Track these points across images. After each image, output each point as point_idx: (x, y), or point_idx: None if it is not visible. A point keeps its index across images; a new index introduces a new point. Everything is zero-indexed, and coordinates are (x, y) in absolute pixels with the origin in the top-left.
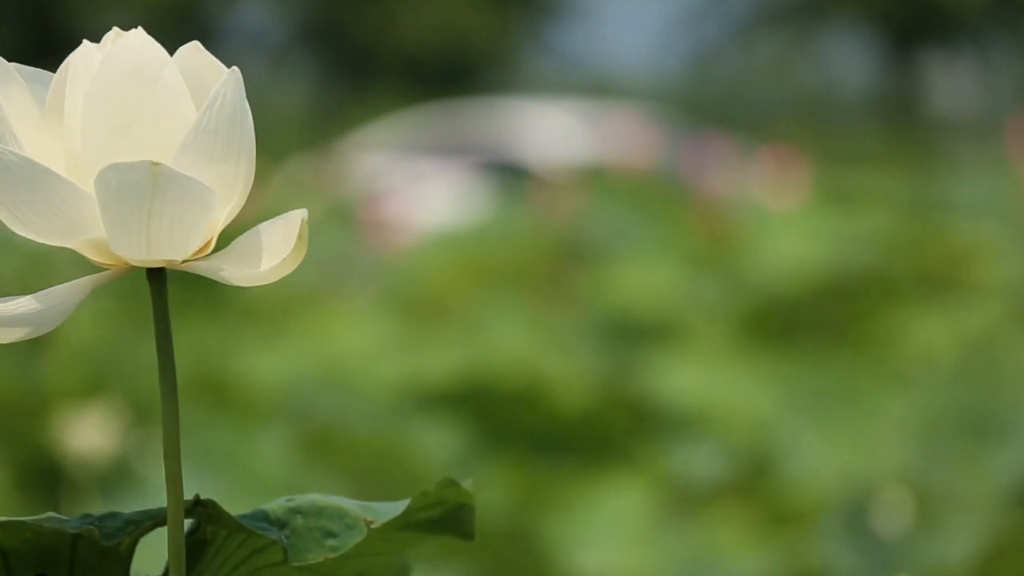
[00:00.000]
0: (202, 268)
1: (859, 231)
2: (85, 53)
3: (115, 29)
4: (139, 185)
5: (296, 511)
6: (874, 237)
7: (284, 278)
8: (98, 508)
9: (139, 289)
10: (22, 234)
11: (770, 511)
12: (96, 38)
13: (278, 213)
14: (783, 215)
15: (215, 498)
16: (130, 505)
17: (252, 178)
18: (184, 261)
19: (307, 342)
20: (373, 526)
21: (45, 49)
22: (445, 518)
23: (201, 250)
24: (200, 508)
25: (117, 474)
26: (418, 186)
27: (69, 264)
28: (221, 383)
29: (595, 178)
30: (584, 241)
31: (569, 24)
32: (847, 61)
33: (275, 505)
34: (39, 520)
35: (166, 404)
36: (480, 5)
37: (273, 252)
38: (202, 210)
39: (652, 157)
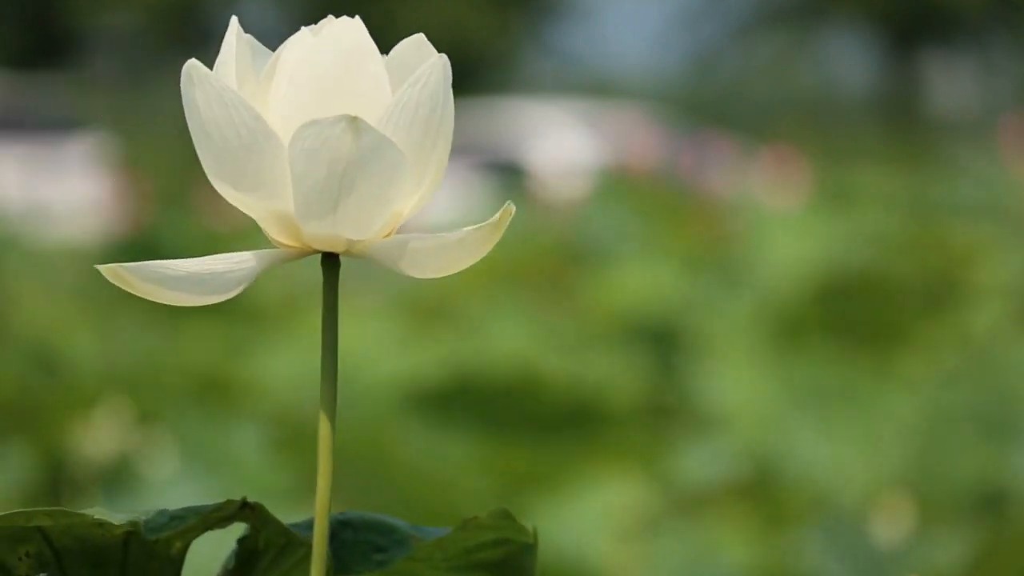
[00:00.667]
0: (380, 252)
1: (859, 231)
2: (300, 36)
3: (329, 17)
4: (337, 141)
5: (346, 524)
6: (874, 237)
7: (285, 279)
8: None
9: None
10: (219, 188)
11: (771, 510)
12: (96, 38)
13: None
14: (783, 215)
15: (212, 499)
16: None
17: (442, 174)
18: (360, 245)
19: (308, 343)
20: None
21: (45, 49)
22: (507, 561)
23: (379, 237)
24: (247, 510)
25: (119, 474)
26: None
27: (70, 263)
28: (224, 383)
29: (595, 178)
30: (584, 241)
31: (569, 24)
32: (847, 61)
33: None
34: (86, 512)
35: (326, 397)
36: (480, 5)
37: (464, 244)
38: (395, 180)
39: (652, 157)
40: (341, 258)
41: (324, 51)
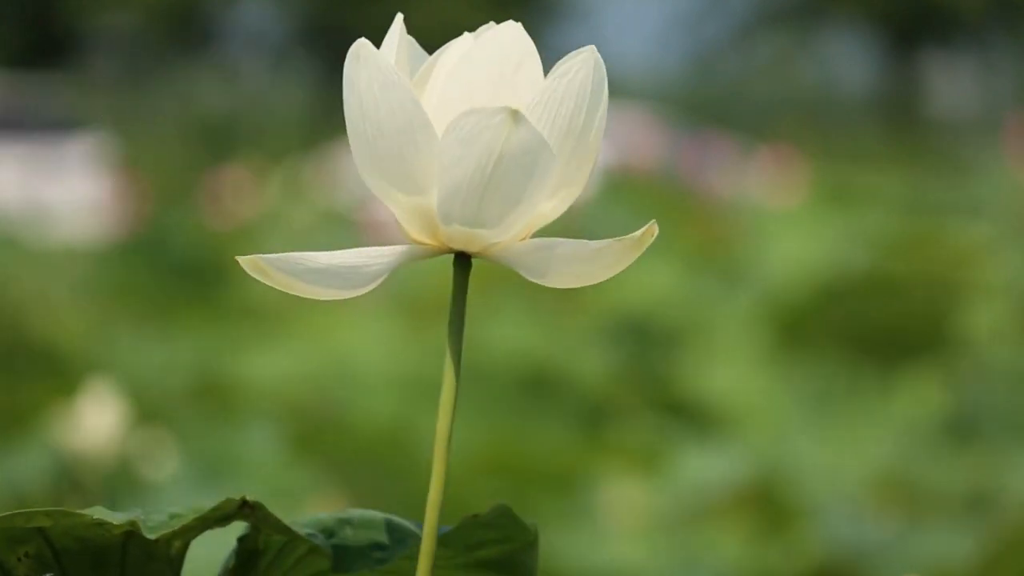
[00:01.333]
0: (515, 255)
1: (859, 231)
2: (461, 39)
3: (491, 23)
4: (494, 131)
5: (346, 522)
6: (874, 237)
7: None
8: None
9: (141, 289)
10: (366, 176)
11: (772, 508)
12: (96, 38)
13: (275, 214)
14: (783, 215)
15: (215, 498)
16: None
17: (586, 177)
18: (496, 247)
19: (308, 343)
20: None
21: (45, 49)
22: (509, 559)
23: (516, 240)
24: (246, 509)
25: (120, 475)
26: None
27: (70, 263)
28: (225, 383)
29: (596, 178)
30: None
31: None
32: (847, 61)
33: (325, 515)
34: (85, 512)
35: (447, 397)
36: (480, 5)
37: (603, 256)
38: (541, 178)
39: (652, 157)
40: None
41: (483, 52)
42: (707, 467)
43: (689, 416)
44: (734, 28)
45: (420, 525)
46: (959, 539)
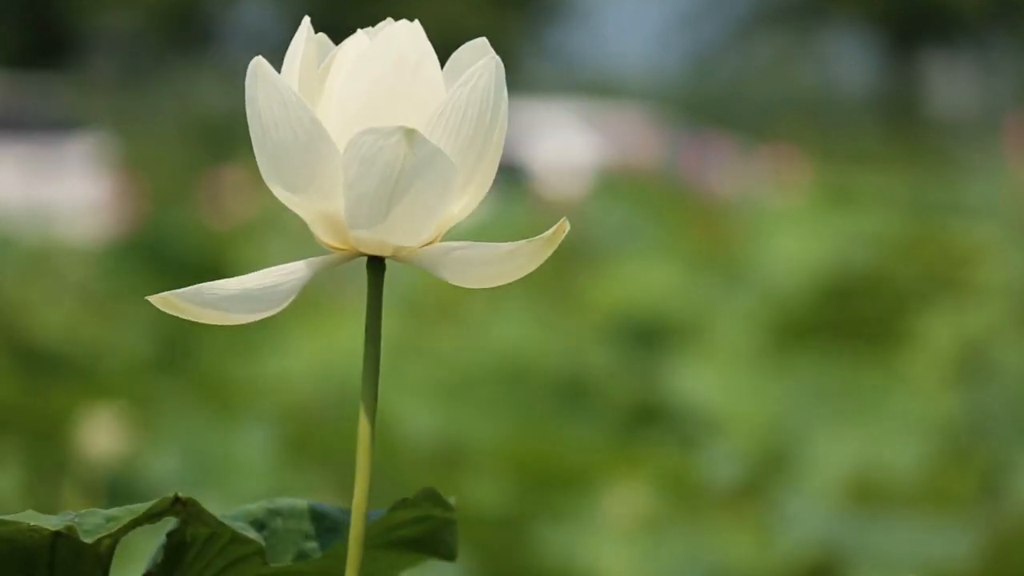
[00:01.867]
0: (425, 259)
1: (860, 231)
2: (356, 39)
3: (388, 19)
4: (392, 152)
5: (276, 512)
6: (875, 237)
7: None
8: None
9: (141, 289)
10: (272, 186)
11: (773, 508)
12: (96, 38)
13: (274, 214)
14: (783, 215)
15: (213, 499)
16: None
17: (491, 179)
18: (407, 251)
19: (307, 344)
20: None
21: (45, 49)
22: (427, 537)
23: (427, 243)
24: (179, 506)
25: (122, 476)
26: None
27: (70, 263)
28: (227, 383)
29: (596, 177)
30: (585, 240)
31: (569, 25)
32: (847, 61)
33: (255, 506)
34: (19, 518)
35: (367, 397)
36: (480, 5)
37: (514, 257)
38: (445, 189)
39: (652, 157)
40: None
41: (380, 54)
42: (707, 466)
43: (689, 415)
44: (734, 28)
45: (348, 513)
46: (959, 539)
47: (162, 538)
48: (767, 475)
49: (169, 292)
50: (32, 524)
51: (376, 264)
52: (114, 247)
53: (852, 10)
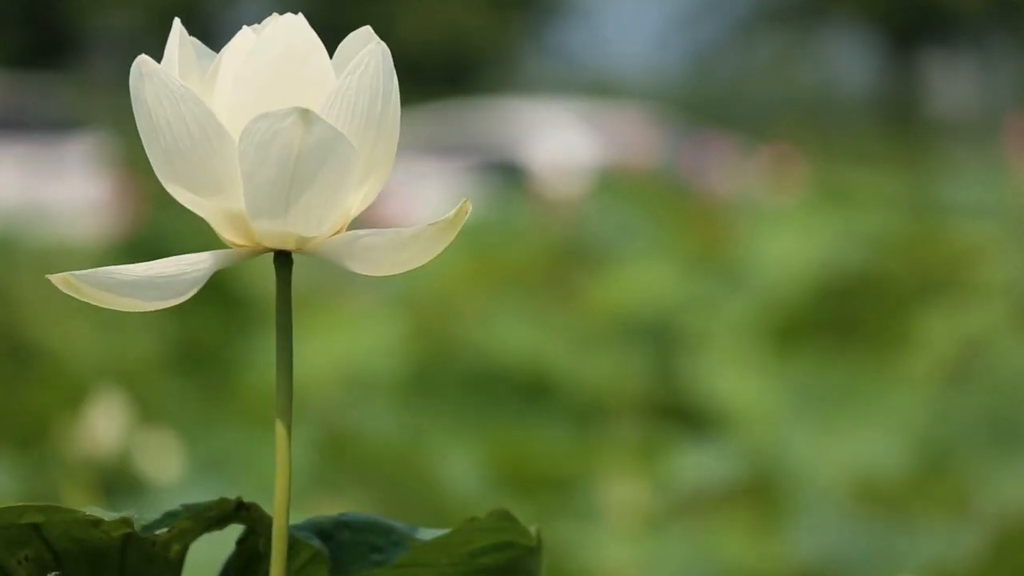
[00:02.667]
0: (331, 249)
1: (859, 231)
2: (243, 35)
3: (274, 14)
4: (288, 133)
5: (344, 524)
6: (874, 237)
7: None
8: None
9: None
10: (170, 187)
11: (771, 509)
12: (96, 38)
13: None
14: (782, 215)
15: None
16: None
17: (389, 167)
18: (312, 243)
19: (309, 342)
20: (416, 544)
21: (45, 49)
22: (510, 566)
23: (331, 234)
24: (242, 510)
25: (120, 475)
26: (418, 186)
27: (70, 263)
28: (226, 384)
29: (595, 178)
30: (584, 241)
31: (569, 24)
32: (847, 61)
33: (324, 518)
34: (78, 509)
35: (281, 396)
36: (480, 6)
37: (419, 240)
38: (344, 172)
39: (652, 157)
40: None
41: (268, 48)
42: (706, 466)
43: (688, 415)
44: (734, 28)
45: (414, 529)
46: (957, 539)
47: (232, 548)
48: (767, 474)
49: (71, 273)
50: (90, 516)
51: (283, 259)
52: (114, 247)
53: (852, 10)
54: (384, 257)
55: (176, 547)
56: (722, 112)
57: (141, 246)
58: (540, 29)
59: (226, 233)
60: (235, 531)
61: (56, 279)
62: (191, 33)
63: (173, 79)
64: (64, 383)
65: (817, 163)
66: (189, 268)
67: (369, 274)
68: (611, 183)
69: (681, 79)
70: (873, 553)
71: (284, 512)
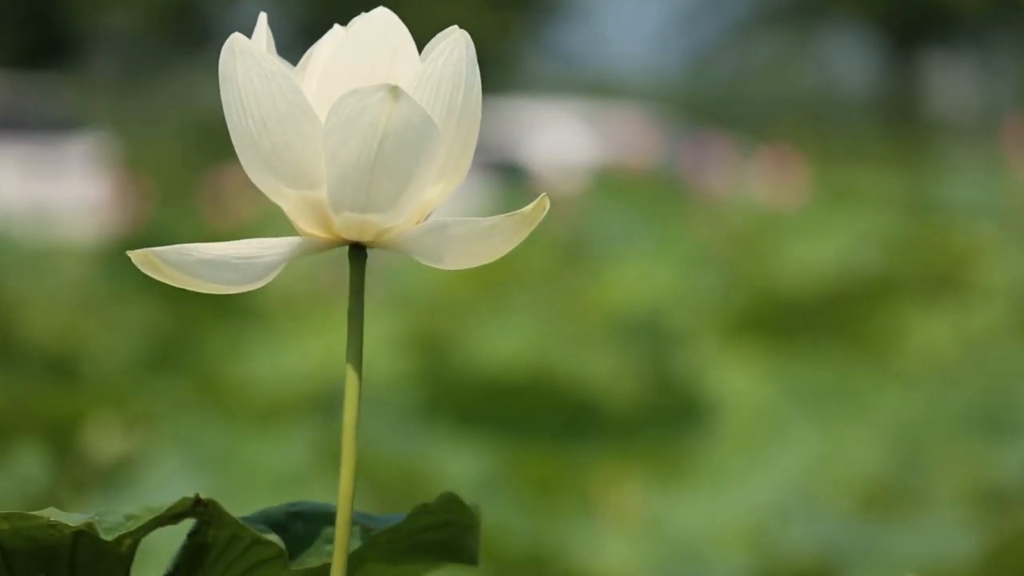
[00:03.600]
0: (410, 240)
1: (859, 231)
2: (333, 32)
3: (362, 13)
4: (376, 109)
5: (297, 516)
6: (874, 237)
7: (288, 278)
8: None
9: (142, 292)
10: (252, 172)
11: (774, 508)
12: (96, 38)
13: (275, 213)
14: (783, 215)
15: (220, 501)
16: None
17: (469, 160)
18: (389, 234)
19: (310, 344)
20: (372, 533)
21: (45, 49)
22: (450, 541)
23: (408, 225)
24: (200, 507)
25: (123, 475)
26: None
27: (71, 264)
28: (226, 383)
29: (595, 177)
30: (584, 240)
31: (569, 25)
32: (847, 61)
33: (276, 509)
34: (39, 514)
35: (350, 388)
36: (480, 6)
37: (497, 232)
38: (428, 155)
39: (652, 157)
40: (325, 258)
41: (359, 39)
42: (707, 464)
43: (688, 415)
44: (733, 28)
45: (371, 517)
46: (958, 539)
47: (183, 539)
48: (768, 474)
49: (149, 249)
50: (52, 520)
51: (357, 252)
52: (114, 247)
53: (852, 10)
54: (461, 249)
55: (128, 542)
56: (722, 112)
57: (141, 246)
58: (540, 29)
59: (304, 224)
60: (187, 525)
61: (135, 255)
62: (191, 33)
63: (266, 56)
64: (63, 382)
65: (817, 163)
66: (268, 251)
67: (444, 267)
68: (611, 183)
69: (681, 79)
70: (873, 553)
71: (348, 510)
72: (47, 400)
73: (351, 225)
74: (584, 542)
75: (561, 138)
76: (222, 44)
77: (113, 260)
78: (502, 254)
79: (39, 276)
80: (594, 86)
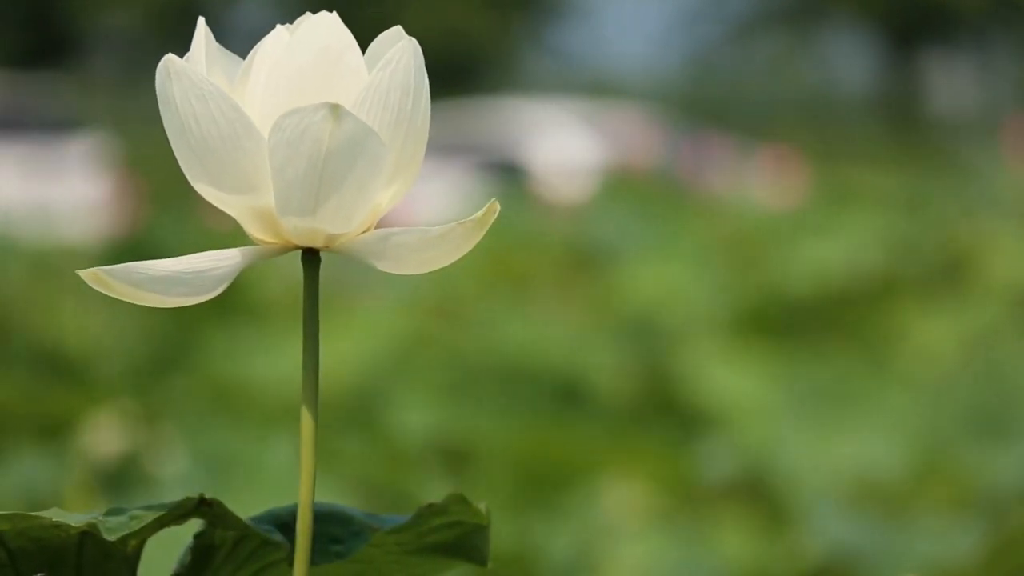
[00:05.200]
0: (360, 247)
1: (859, 231)
2: (276, 34)
3: (307, 13)
4: (318, 128)
5: None
6: (874, 237)
7: (289, 279)
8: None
9: None
10: (198, 186)
11: (771, 508)
12: (96, 38)
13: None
14: (783, 215)
15: (225, 502)
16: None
17: (419, 165)
18: (340, 240)
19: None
20: (378, 534)
21: (45, 49)
22: (459, 542)
23: (359, 232)
24: (204, 507)
25: (126, 476)
26: (418, 186)
27: (71, 264)
28: (228, 384)
29: (596, 178)
30: (584, 241)
31: (569, 24)
32: (847, 61)
33: (282, 509)
34: (44, 514)
35: (307, 393)
36: (480, 6)
37: (447, 240)
38: (374, 168)
39: (652, 157)
40: (326, 257)
41: (301, 46)
42: (709, 465)
43: (688, 415)
44: (734, 28)
45: (375, 516)
46: (957, 539)
47: (189, 540)
48: (770, 474)
49: (98, 268)
50: (56, 520)
51: (310, 257)
52: (114, 247)
53: (852, 10)
54: (412, 256)
55: (133, 542)
56: (722, 112)
57: (141, 246)
58: (540, 29)
59: (254, 231)
60: (193, 526)
61: (85, 274)
62: (191, 33)
63: (201, 76)
64: (64, 383)
65: (817, 163)
66: (217, 264)
67: (395, 272)
68: (611, 183)
69: (681, 79)
70: (875, 552)
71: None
72: (48, 400)
73: (301, 233)
74: (583, 539)
75: (561, 138)
76: (223, 44)
77: (113, 260)
78: (457, 258)
79: (39, 276)
80: (594, 86)
